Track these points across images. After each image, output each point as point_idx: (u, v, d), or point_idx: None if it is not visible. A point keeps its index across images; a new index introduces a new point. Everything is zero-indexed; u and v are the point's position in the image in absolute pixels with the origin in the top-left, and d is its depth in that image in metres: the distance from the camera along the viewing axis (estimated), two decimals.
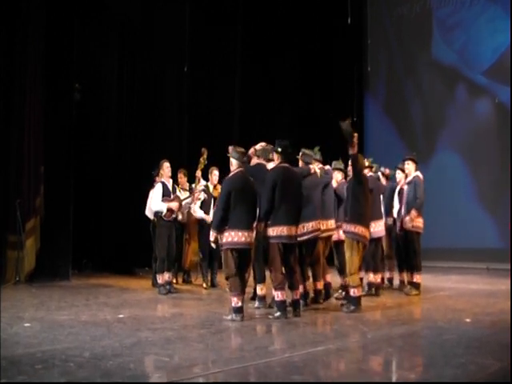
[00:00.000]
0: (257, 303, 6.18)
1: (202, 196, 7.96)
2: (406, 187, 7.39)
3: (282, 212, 5.47)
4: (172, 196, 7.46)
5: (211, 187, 8.12)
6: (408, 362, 4.08)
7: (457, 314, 5.76)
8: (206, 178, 8.21)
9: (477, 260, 11.00)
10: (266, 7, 12.70)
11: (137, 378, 3.53)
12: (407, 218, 7.17)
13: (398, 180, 7.75)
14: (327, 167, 6.85)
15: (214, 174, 8.13)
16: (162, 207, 7.31)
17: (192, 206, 7.97)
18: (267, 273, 6.19)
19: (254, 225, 5.57)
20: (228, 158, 5.74)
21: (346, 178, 6.80)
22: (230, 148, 5.84)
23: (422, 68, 12.91)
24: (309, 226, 6.14)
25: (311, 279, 6.47)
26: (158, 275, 7.36)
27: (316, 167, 6.47)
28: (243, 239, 5.36)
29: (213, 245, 5.69)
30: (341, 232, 6.59)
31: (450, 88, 12.41)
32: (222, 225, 5.40)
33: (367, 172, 6.76)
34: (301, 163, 6.49)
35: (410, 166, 7.43)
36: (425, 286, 7.65)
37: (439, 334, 4.85)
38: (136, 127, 10.90)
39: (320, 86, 13.58)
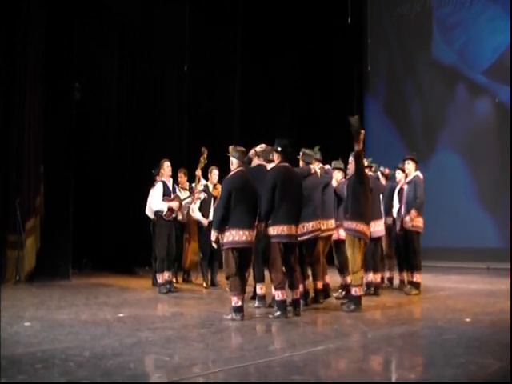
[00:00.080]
0: (257, 303, 6.18)
1: (202, 196, 7.97)
2: (406, 187, 7.39)
3: (282, 211, 5.47)
4: (172, 195, 7.47)
5: (211, 187, 8.13)
6: (408, 361, 4.08)
7: (457, 314, 5.76)
8: (206, 178, 8.22)
9: (477, 260, 11.00)
10: (265, 7, 12.70)
11: (137, 377, 3.53)
12: (407, 218, 7.17)
13: (397, 180, 7.75)
14: (327, 167, 6.85)
15: (214, 174, 8.14)
16: (163, 206, 7.31)
17: (191, 205, 7.97)
18: (266, 272, 6.21)
19: (255, 224, 5.57)
20: (228, 158, 5.74)
21: (345, 177, 6.80)
22: (231, 148, 5.84)
23: (421, 68, 12.91)
24: (309, 225, 6.14)
25: (311, 278, 6.48)
26: (158, 275, 7.36)
27: (316, 167, 6.47)
28: (244, 238, 5.36)
29: (214, 245, 5.69)
30: (341, 231, 6.61)
31: (450, 88, 12.42)
32: (222, 224, 5.40)
33: (367, 171, 6.75)
34: (301, 163, 6.49)
35: (410, 166, 7.43)
36: (425, 286, 7.65)
37: (439, 333, 4.84)
38: (136, 127, 10.91)
39: (320, 85, 13.58)
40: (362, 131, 5.75)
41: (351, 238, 5.92)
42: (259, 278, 6.22)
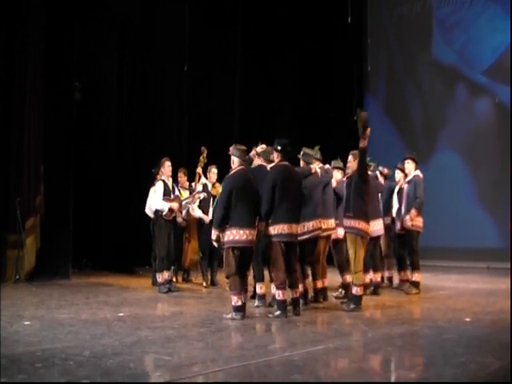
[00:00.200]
0: (256, 302, 6.18)
1: (202, 196, 7.97)
2: (405, 186, 7.40)
3: (282, 210, 5.47)
4: (172, 195, 7.47)
5: (210, 185, 8.14)
6: (408, 361, 4.08)
7: (457, 314, 5.76)
8: (206, 177, 8.23)
9: (477, 259, 11.00)
10: (265, 7, 12.71)
11: (137, 376, 3.53)
12: (407, 217, 7.18)
13: (397, 179, 7.76)
14: (327, 166, 6.85)
15: (213, 172, 8.15)
16: (164, 206, 7.31)
17: (191, 205, 7.97)
18: (266, 272, 6.21)
19: (256, 223, 5.57)
20: (228, 158, 5.74)
21: (345, 176, 6.80)
22: (232, 148, 5.86)
23: (421, 68, 12.92)
24: (309, 225, 6.14)
25: (310, 278, 6.47)
26: (157, 274, 7.36)
27: (317, 167, 6.47)
28: (244, 237, 5.36)
29: (215, 243, 5.68)
30: (339, 230, 6.60)
31: (450, 88, 12.42)
32: (223, 223, 5.40)
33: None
34: (302, 163, 6.49)
35: (409, 166, 7.43)
36: (425, 286, 7.65)
37: (439, 333, 4.84)
38: (136, 127, 10.91)
39: (320, 85, 13.59)
40: (369, 128, 5.73)
41: (353, 237, 5.88)
42: (259, 278, 6.22)
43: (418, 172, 7.41)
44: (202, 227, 7.99)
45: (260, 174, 5.84)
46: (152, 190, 7.61)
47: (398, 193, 7.63)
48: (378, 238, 7.06)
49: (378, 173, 7.56)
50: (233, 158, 5.62)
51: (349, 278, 6.50)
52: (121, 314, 5.59)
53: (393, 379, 3.63)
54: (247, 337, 4.77)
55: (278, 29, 12.91)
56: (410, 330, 5.13)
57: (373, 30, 13.73)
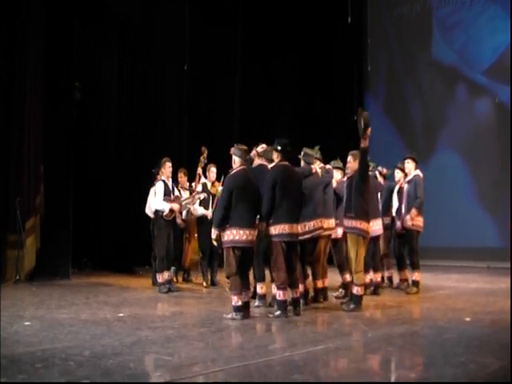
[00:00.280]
0: (257, 302, 6.17)
1: (202, 196, 7.98)
2: (406, 186, 7.41)
3: (283, 210, 5.47)
4: (172, 196, 7.47)
5: (209, 184, 8.15)
6: (408, 361, 4.08)
7: (457, 313, 5.76)
8: (205, 177, 8.23)
9: (477, 259, 11.00)
10: (265, 7, 12.71)
11: (137, 376, 3.53)
12: (407, 217, 7.18)
13: (397, 179, 7.76)
14: (328, 166, 6.85)
15: (212, 171, 8.16)
16: (165, 207, 7.31)
17: (191, 206, 7.97)
18: (267, 272, 6.20)
19: (257, 223, 5.57)
20: (229, 157, 5.74)
21: (344, 176, 6.80)
22: (233, 148, 5.86)
23: (421, 68, 12.92)
24: (310, 224, 6.14)
25: (310, 278, 6.47)
26: (157, 274, 7.37)
27: (317, 167, 6.47)
28: (244, 237, 5.36)
29: (214, 242, 5.69)
30: (339, 230, 6.60)
31: (450, 88, 12.42)
32: (223, 223, 5.40)
33: None
34: (302, 163, 6.49)
35: (409, 165, 7.44)
36: (425, 285, 7.65)
37: (439, 333, 4.84)
38: (136, 127, 10.91)
39: (320, 85, 13.58)
40: (370, 128, 5.73)
41: (355, 237, 5.87)
42: (260, 278, 6.22)
43: (418, 172, 7.41)
44: (202, 227, 7.99)
45: (261, 174, 5.84)
46: (152, 190, 7.62)
47: (397, 192, 7.64)
48: (377, 237, 7.06)
49: (377, 173, 7.56)
50: (234, 157, 5.62)
51: (348, 277, 6.50)
52: (121, 314, 5.59)
53: (393, 379, 3.63)
54: (247, 337, 4.77)
55: (278, 29, 12.91)
56: (410, 329, 5.13)
57: (373, 29, 13.72)
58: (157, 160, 7.74)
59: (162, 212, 7.32)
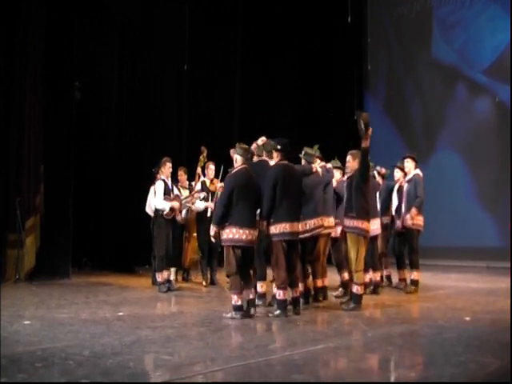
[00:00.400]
0: (256, 301, 6.16)
1: (202, 195, 7.98)
2: (406, 185, 7.41)
3: (283, 209, 5.48)
4: (172, 195, 7.48)
5: (208, 182, 8.16)
6: (408, 360, 4.08)
7: (456, 313, 5.76)
8: (204, 175, 8.24)
9: (477, 258, 11.00)
10: (265, 7, 12.70)
11: (137, 376, 3.53)
12: (407, 216, 7.19)
13: (396, 178, 7.76)
14: (329, 165, 6.85)
15: (210, 169, 8.17)
16: (165, 206, 7.32)
17: (190, 205, 7.96)
18: (268, 271, 6.20)
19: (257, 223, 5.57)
20: (228, 157, 5.75)
21: (344, 175, 6.82)
22: (232, 150, 5.87)
23: (421, 67, 12.91)
24: (311, 223, 6.15)
25: (311, 277, 6.48)
26: (157, 273, 7.37)
27: (318, 166, 6.48)
28: (244, 237, 5.36)
29: (213, 239, 5.69)
30: (338, 229, 6.61)
31: (450, 87, 12.42)
32: (222, 220, 5.40)
33: None
34: (303, 162, 6.50)
35: (409, 164, 7.44)
36: (425, 285, 7.65)
37: (439, 332, 4.85)
38: (136, 127, 10.90)
39: (320, 86, 13.58)
40: (370, 128, 5.74)
41: (355, 236, 5.87)
42: (260, 276, 6.20)
43: (418, 171, 7.42)
44: (201, 226, 7.99)
45: (262, 170, 5.84)
46: (152, 189, 7.62)
47: (397, 191, 7.64)
48: (375, 237, 7.07)
49: (375, 172, 7.56)
50: (235, 156, 5.62)
51: (347, 275, 6.52)
52: (120, 314, 5.60)
53: (393, 379, 3.64)
54: (247, 336, 4.77)
55: (278, 29, 12.91)
56: (410, 329, 5.14)
57: (373, 29, 13.72)
58: (157, 160, 7.74)
59: (162, 211, 7.32)
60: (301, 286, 5.91)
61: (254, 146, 6.16)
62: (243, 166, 5.57)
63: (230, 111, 12.39)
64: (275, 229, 5.48)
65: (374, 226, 6.85)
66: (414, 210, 7.14)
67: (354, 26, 13.27)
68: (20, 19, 8.41)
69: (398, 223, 7.42)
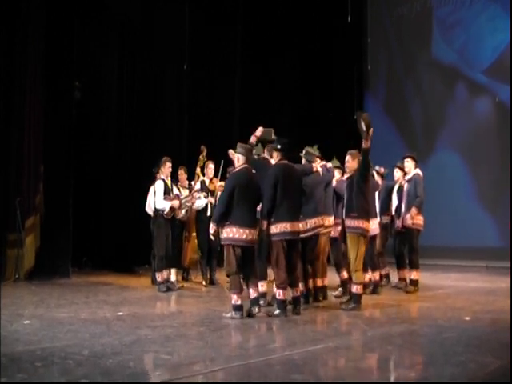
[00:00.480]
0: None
1: (202, 196, 7.97)
2: (406, 185, 7.42)
3: (284, 208, 5.49)
4: (172, 195, 7.48)
5: (207, 181, 8.16)
6: (408, 360, 4.08)
7: (456, 312, 5.76)
8: (203, 174, 8.24)
9: (476, 258, 11.00)
10: (265, 7, 12.70)
11: (136, 375, 3.53)
12: (408, 216, 7.19)
13: (396, 178, 7.77)
14: (329, 165, 6.85)
15: (210, 168, 8.18)
16: (165, 206, 7.32)
17: (190, 204, 7.96)
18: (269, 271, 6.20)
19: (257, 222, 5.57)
20: (228, 157, 5.75)
21: (343, 175, 6.83)
22: (231, 152, 5.86)
23: (421, 67, 12.91)
24: (311, 222, 6.16)
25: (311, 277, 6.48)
26: (156, 273, 7.37)
27: (318, 166, 6.48)
28: (244, 237, 5.36)
29: (212, 237, 5.69)
30: (338, 229, 6.61)
31: (450, 87, 12.41)
32: (222, 219, 5.41)
33: None
34: (304, 161, 6.50)
35: (409, 164, 7.45)
36: (424, 284, 7.65)
37: (439, 332, 4.85)
38: (136, 127, 10.90)
39: (320, 86, 13.58)
40: (372, 129, 5.74)
41: (355, 236, 5.87)
42: (261, 276, 6.19)
43: (418, 170, 7.42)
44: (200, 225, 7.99)
45: (262, 168, 5.83)
46: (152, 188, 7.62)
47: (397, 191, 7.64)
48: (373, 237, 7.07)
49: (374, 172, 7.56)
50: (238, 155, 5.61)
51: (345, 274, 6.54)
52: (120, 313, 5.60)
53: (392, 378, 3.64)
54: (247, 336, 4.77)
55: (278, 29, 12.90)
56: (410, 328, 5.14)
57: (373, 29, 13.72)
58: (157, 160, 7.74)
59: (162, 211, 7.32)
60: (301, 286, 5.90)
61: (252, 138, 6.06)
62: (245, 165, 5.57)
63: (229, 111, 12.39)
64: (276, 228, 5.48)
65: (373, 226, 6.84)
66: (414, 210, 7.15)
67: (354, 25, 13.27)
68: (20, 19, 8.41)
69: (398, 223, 7.43)
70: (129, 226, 10.11)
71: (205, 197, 8.00)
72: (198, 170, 8.04)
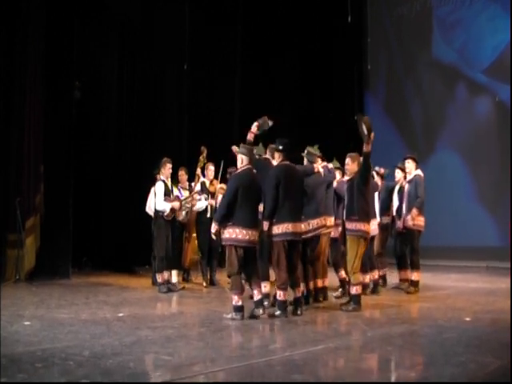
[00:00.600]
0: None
1: (203, 198, 7.97)
2: (406, 186, 7.42)
3: (285, 209, 5.49)
4: (172, 196, 7.48)
5: (207, 183, 8.16)
6: (408, 360, 4.08)
7: (456, 313, 5.76)
8: (204, 176, 8.23)
9: (476, 258, 11.00)
10: (265, 7, 12.70)
11: (137, 376, 3.53)
12: (408, 217, 7.19)
13: (397, 179, 7.77)
14: (330, 166, 6.85)
15: (210, 170, 8.18)
16: (166, 207, 7.31)
17: (189, 205, 7.96)
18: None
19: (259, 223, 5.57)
20: (228, 157, 5.74)
21: (343, 176, 6.83)
22: (234, 148, 5.84)
23: (422, 67, 12.91)
24: (314, 223, 6.16)
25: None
26: (157, 274, 7.37)
27: (320, 166, 6.48)
28: (247, 237, 5.36)
29: (213, 236, 5.70)
30: (339, 229, 6.62)
31: (450, 87, 12.41)
32: (224, 220, 5.40)
33: None
34: (305, 161, 6.50)
35: (410, 165, 7.45)
36: (425, 285, 7.65)
37: (439, 332, 4.85)
38: (136, 127, 10.90)
39: (320, 86, 13.58)
40: (373, 133, 5.74)
41: (355, 239, 5.88)
42: (263, 277, 6.18)
43: (419, 171, 7.42)
44: (200, 226, 7.98)
45: (264, 169, 5.82)
46: (152, 189, 7.62)
47: (398, 192, 7.64)
48: (372, 237, 7.07)
49: (374, 173, 7.56)
50: (241, 156, 5.59)
51: (343, 273, 6.58)
52: (121, 314, 5.60)
53: (393, 379, 3.63)
54: (247, 337, 4.77)
55: (278, 29, 12.90)
56: (410, 329, 5.14)
57: (373, 29, 13.72)
58: (157, 160, 7.74)
59: (163, 212, 7.32)
60: (302, 286, 5.90)
61: (250, 135, 6.00)
62: (247, 166, 5.57)
63: (230, 111, 12.39)
64: (277, 229, 5.48)
65: (372, 227, 6.84)
66: (414, 211, 7.15)
67: (354, 25, 13.27)
68: (20, 19, 8.41)
69: (399, 223, 7.43)
70: (129, 226, 10.11)
71: (205, 199, 8.00)
72: (199, 170, 8.04)
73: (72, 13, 9.01)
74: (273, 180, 5.51)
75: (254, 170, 5.71)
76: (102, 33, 10.60)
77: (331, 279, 7.01)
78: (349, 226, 5.95)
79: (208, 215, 7.93)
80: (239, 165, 5.61)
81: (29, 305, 6.13)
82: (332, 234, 6.74)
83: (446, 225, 11.31)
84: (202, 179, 8.14)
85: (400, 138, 12.91)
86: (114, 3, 10.60)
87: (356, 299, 5.89)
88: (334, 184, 6.86)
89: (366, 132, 5.70)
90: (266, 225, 5.51)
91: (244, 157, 5.57)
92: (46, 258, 8.38)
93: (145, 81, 11.10)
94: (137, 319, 5.36)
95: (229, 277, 5.61)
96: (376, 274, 7.23)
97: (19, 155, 8.31)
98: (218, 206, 7.49)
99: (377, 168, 7.68)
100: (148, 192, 7.80)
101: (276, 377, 3.53)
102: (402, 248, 7.56)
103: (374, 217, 7.01)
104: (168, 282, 7.31)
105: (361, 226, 5.86)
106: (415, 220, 7.19)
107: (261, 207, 5.68)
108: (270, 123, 5.96)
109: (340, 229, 6.53)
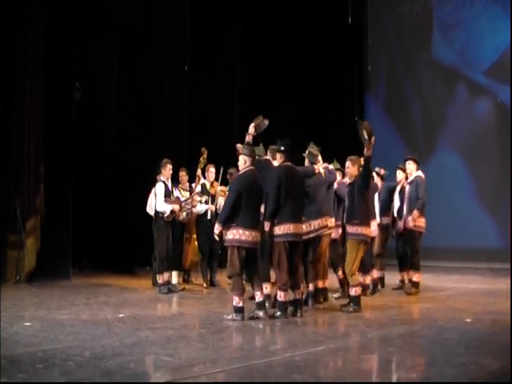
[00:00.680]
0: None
1: (204, 199, 7.96)
2: (407, 187, 7.43)
3: (287, 210, 5.49)
4: (172, 197, 7.48)
5: (208, 184, 8.15)
6: (408, 361, 4.09)
7: (457, 314, 5.77)
8: (204, 177, 8.22)
9: (477, 260, 10.99)
10: (265, 7, 12.70)
11: (137, 377, 3.53)
12: (409, 218, 7.19)
13: (398, 180, 7.76)
14: (331, 167, 6.85)
15: (211, 171, 8.17)
16: (166, 208, 7.31)
17: (190, 206, 7.95)
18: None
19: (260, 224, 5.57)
20: (228, 158, 5.74)
21: (343, 177, 6.83)
22: (239, 146, 5.84)
23: (422, 68, 12.91)
24: (315, 223, 6.17)
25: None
26: (157, 275, 7.36)
27: (321, 168, 6.48)
28: (250, 238, 5.37)
29: (216, 237, 5.70)
30: (339, 230, 6.62)
31: (450, 88, 12.41)
32: (228, 221, 5.41)
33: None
34: (306, 161, 6.50)
35: (411, 166, 7.46)
36: (425, 286, 7.65)
37: (439, 333, 4.85)
38: (136, 127, 10.90)
39: (320, 85, 13.57)
40: (373, 137, 5.75)
41: (356, 243, 5.89)
42: (264, 278, 6.18)
43: (420, 173, 7.42)
44: (201, 227, 7.98)
45: (265, 170, 5.82)
46: (153, 190, 7.61)
47: (399, 193, 7.64)
48: (372, 238, 7.06)
49: (374, 173, 7.55)
50: (244, 157, 5.59)
51: (341, 274, 6.61)
52: (121, 315, 5.60)
53: (393, 379, 3.64)
54: (248, 338, 4.77)
55: (278, 29, 12.90)
56: (410, 330, 5.14)
57: (373, 30, 13.71)
58: (157, 160, 7.73)
59: (163, 213, 7.32)
60: (302, 287, 5.90)
61: (248, 137, 5.99)
62: (250, 167, 5.56)
63: (230, 111, 12.39)
64: (279, 230, 5.48)
65: (372, 228, 6.85)
66: (415, 212, 7.15)
67: (355, 26, 13.27)
68: (20, 19, 8.40)
69: (400, 225, 7.43)
70: (129, 226, 10.11)
71: (206, 201, 7.98)
72: (199, 171, 8.03)
73: (72, 13, 9.01)
74: (274, 181, 5.51)
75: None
76: (102, 33, 10.59)
77: (331, 280, 7.01)
78: (350, 229, 5.97)
79: (208, 217, 7.93)
80: (241, 165, 5.60)
81: (29, 306, 6.13)
82: (333, 235, 6.74)
83: (446, 225, 11.30)
84: (202, 181, 8.13)
85: (400, 138, 12.90)
86: (114, 3, 10.59)
87: (356, 300, 5.90)
88: (335, 185, 6.86)
89: (366, 137, 5.71)
90: (267, 225, 5.51)
91: (247, 158, 5.57)
92: (47, 258, 8.37)
93: (145, 81, 11.10)
94: (137, 320, 5.36)
95: (229, 278, 5.60)
96: (375, 274, 7.24)
97: (19, 155, 8.30)
98: (218, 208, 7.52)
99: (377, 169, 7.68)
100: (148, 192, 7.80)
101: (276, 378, 3.54)
102: (405, 248, 7.56)
103: (374, 218, 7.01)
104: (168, 282, 7.32)
105: (362, 229, 5.88)
106: (416, 221, 7.19)
107: (262, 208, 5.68)
108: (266, 122, 5.98)
109: (340, 230, 6.54)
